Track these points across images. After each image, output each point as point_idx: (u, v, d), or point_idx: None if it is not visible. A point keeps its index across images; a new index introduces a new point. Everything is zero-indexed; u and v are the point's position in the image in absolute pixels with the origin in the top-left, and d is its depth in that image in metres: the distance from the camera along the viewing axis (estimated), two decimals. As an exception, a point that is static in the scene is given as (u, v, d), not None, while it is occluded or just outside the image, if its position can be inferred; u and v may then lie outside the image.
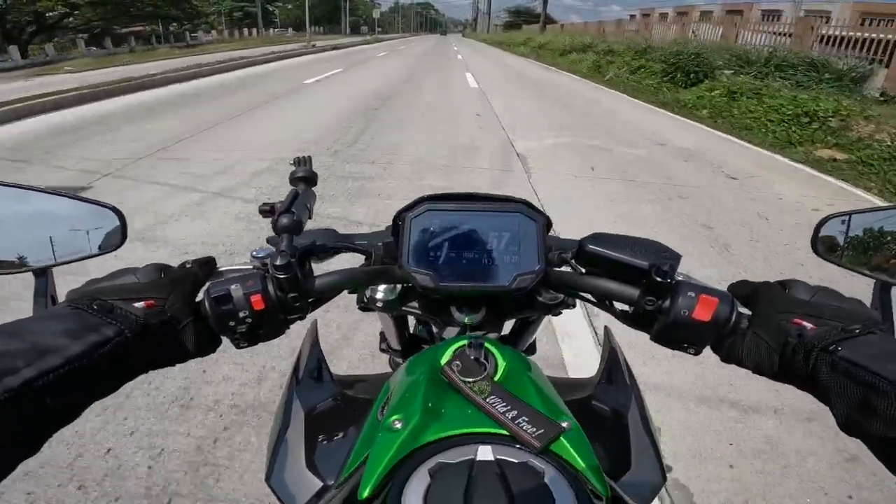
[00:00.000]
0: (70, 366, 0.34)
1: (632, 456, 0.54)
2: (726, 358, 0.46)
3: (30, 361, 0.32)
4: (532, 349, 0.75)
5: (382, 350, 0.78)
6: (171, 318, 0.42)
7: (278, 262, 0.44)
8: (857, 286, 0.51)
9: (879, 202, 4.11)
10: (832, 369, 0.37)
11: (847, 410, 0.35)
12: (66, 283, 0.46)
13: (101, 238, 0.50)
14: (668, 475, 0.54)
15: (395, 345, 0.75)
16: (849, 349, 0.36)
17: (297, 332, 0.57)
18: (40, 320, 0.38)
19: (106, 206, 0.49)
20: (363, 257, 0.59)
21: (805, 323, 0.40)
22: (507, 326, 0.66)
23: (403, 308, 0.60)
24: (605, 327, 0.76)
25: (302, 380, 0.65)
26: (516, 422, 0.37)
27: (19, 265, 0.49)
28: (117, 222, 0.50)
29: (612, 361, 0.70)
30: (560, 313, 0.61)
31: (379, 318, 0.72)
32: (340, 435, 0.57)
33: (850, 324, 0.38)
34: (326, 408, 0.62)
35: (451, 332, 0.59)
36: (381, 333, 0.77)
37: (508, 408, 0.38)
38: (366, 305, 0.61)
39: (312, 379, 0.67)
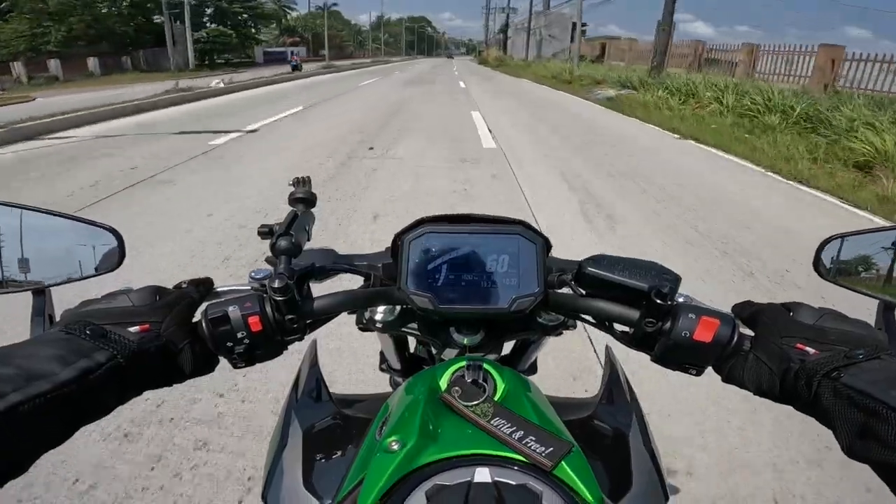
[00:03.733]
0: (59, 391, 0.34)
1: (633, 476, 0.54)
2: (727, 379, 0.46)
3: (18, 386, 0.32)
4: (533, 369, 0.75)
5: (382, 370, 0.77)
6: (166, 343, 0.42)
7: (276, 285, 0.43)
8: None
9: None
10: (835, 395, 0.36)
11: (851, 436, 0.35)
12: (67, 296, 0.45)
13: (100, 258, 0.50)
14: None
15: (395, 364, 0.74)
16: (851, 375, 0.36)
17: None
18: (32, 345, 0.38)
19: (104, 228, 0.49)
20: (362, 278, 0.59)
21: (808, 348, 0.40)
22: (508, 346, 0.66)
23: (402, 329, 0.60)
24: (607, 346, 0.76)
25: (301, 398, 0.65)
26: (524, 442, 0.37)
27: (18, 285, 0.48)
28: (115, 243, 0.50)
29: (614, 381, 0.70)
30: (561, 333, 0.60)
31: (378, 338, 0.71)
32: (338, 454, 0.57)
33: (854, 348, 0.38)
34: (325, 427, 0.61)
35: (450, 353, 0.58)
36: (381, 353, 0.76)
37: (514, 428, 0.38)
38: (365, 326, 0.61)
39: (311, 398, 0.66)
